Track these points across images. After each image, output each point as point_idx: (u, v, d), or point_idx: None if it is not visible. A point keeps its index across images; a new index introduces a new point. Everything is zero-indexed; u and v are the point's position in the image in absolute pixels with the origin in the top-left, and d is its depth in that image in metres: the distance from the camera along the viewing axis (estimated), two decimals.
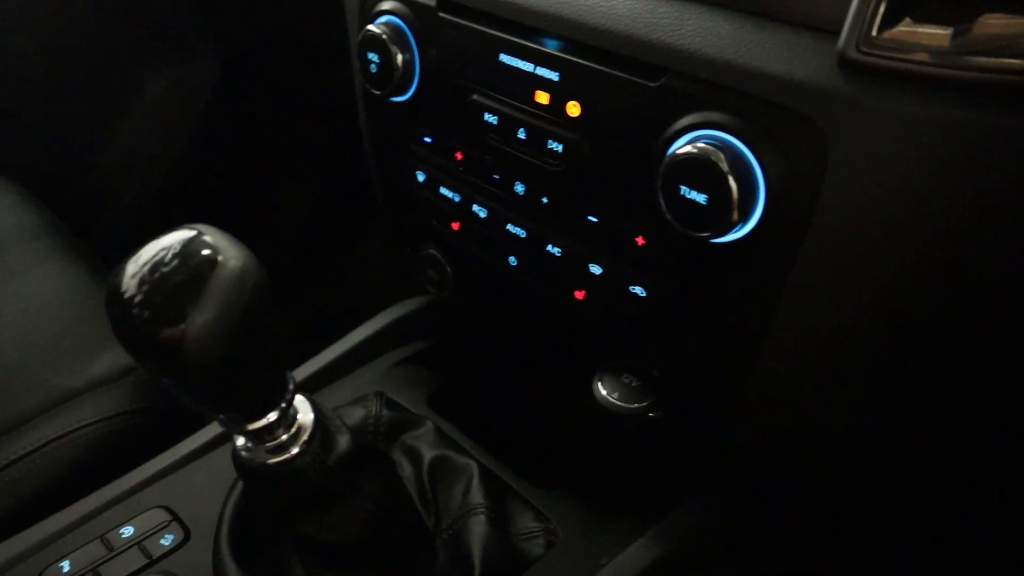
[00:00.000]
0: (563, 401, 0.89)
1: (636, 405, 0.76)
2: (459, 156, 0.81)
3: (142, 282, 0.52)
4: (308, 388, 0.93)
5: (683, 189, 0.61)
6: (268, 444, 0.64)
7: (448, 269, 0.91)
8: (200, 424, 0.92)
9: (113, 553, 0.79)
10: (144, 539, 0.80)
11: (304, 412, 0.65)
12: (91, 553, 0.79)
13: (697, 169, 0.60)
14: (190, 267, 0.52)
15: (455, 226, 0.85)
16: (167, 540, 0.80)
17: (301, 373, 0.95)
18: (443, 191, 0.84)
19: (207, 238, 0.54)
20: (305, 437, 0.64)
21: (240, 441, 0.65)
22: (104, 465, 0.93)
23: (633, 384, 0.76)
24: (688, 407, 0.75)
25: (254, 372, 0.57)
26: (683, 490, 0.83)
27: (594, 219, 0.72)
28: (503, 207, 0.79)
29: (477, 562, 0.76)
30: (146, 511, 0.82)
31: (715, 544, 0.85)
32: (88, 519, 0.83)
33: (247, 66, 1.90)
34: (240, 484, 0.83)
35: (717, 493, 0.83)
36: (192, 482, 0.85)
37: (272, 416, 0.62)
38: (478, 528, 0.79)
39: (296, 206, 1.94)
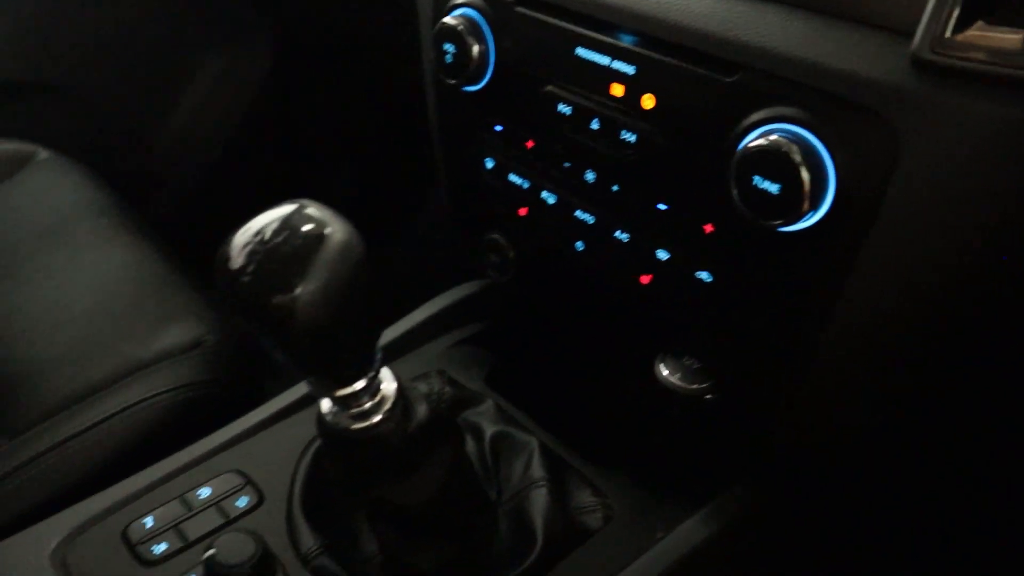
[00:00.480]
0: (619, 382, 0.92)
1: (696, 386, 0.79)
2: (530, 144, 0.84)
3: (254, 252, 0.56)
4: None
5: (756, 179, 0.64)
6: (353, 410, 0.68)
7: (510, 254, 0.94)
8: (269, 396, 0.96)
9: (192, 512, 0.83)
10: (221, 500, 0.84)
11: (388, 382, 0.69)
12: (172, 511, 0.83)
13: (770, 160, 0.63)
14: (300, 239, 0.56)
15: (523, 212, 0.88)
16: (242, 502, 0.84)
17: None
18: (512, 178, 0.87)
19: (314, 212, 0.58)
20: (388, 406, 0.68)
21: (325, 407, 0.69)
22: (177, 432, 0.98)
23: (694, 366, 0.80)
24: (741, 391, 0.78)
25: (353, 339, 0.61)
26: (732, 473, 0.86)
27: (663, 207, 0.75)
28: (572, 194, 0.82)
29: (539, 533, 0.80)
30: (221, 475, 0.86)
31: (761, 530, 0.88)
32: (166, 481, 0.87)
33: (300, 52, 1.95)
34: (311, 451, 0.87)
35: (754, 482, 0.86)
36: (264, 449, 0.89)
37: (360, 384, 0.66)
38: (540, 500, 0.83)
39: (344, 191, 1.98)
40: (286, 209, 0.58)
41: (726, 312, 0.75)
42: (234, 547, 0.74)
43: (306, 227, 0.57)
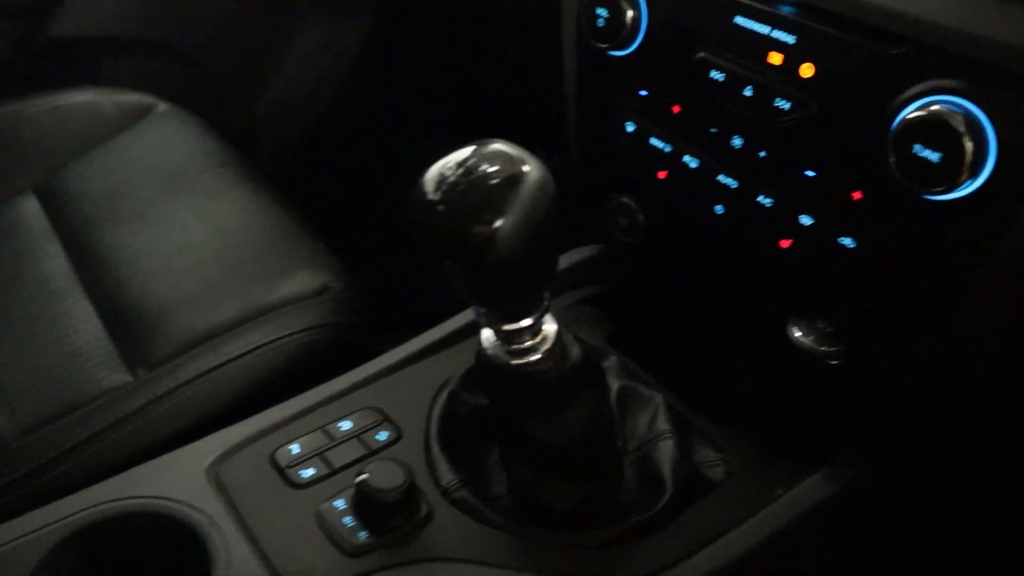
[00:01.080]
0: (741, 343, 0.96)
1: (828, 349, 0.82)
2: (676, 110, 0.87)
3: (456, 184, 0.60)
4: None
5: (916, 148, 0.67)
6: (514, 347, 0.72)
7: (640, 217, 0.98)
8: (398, 340, 1.01)
9: (335, 442, 0.88)
10: (361, 433, 0.88)
11: (549, 323, 0.73)
12: (316, 441, 0.88)
13: (933, 130, 0.66)
14: (501, 174, 0.60)
15: (661, 175, 0.91)
16: (382, 436, 0.88)
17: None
18: (653, 142, 0.91)
19: (512, 150, 0.62)
20: (548, 346, 0.72)
21: (487, 340, 0.73)
22: (310, 371, 1.02)
23: (827, 329, 0.83)
24: (871, 355, 0.81)
25: (536, 275, 0.65)
26: (848, 439, 0.89)
27: (811, 173, 0.78)
28: (716, 159, 0.85)
29: (668, 480, 0.84)
30: (360, 410, 0.91)
31: (872, 499, 0.91)
32: (306, 413, 0.92)
33: (399, 22, 1.99)
34: (445, 392, 0.92)
35: (870, 448, 0.89)
36: (400, 388, 0.94)
37: (527, 322, 0.70)
38: (667, 451, 0.86)
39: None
40: (489, 146, 0.62)
41: (866, 277, 0.77)
42: (385, 474, 0.79)
43: (506, 163, 0.61)
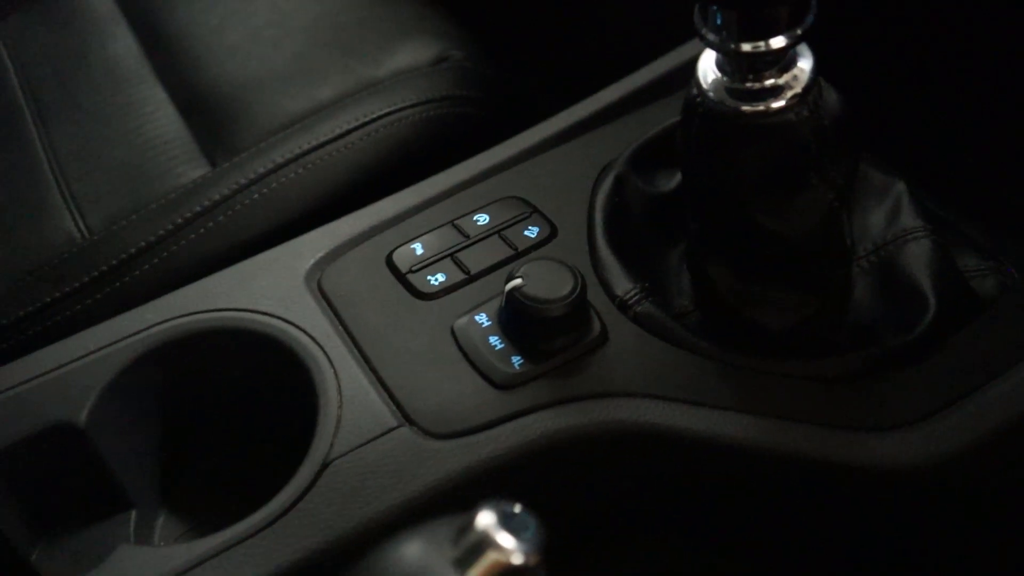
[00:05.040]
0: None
1: None
2: None
3: None
4: None
5: None
6: (750, 85, 0.48)
7: None
8: (540, 116, 0.78)
9: (470, 240, 0.67)
10: (504, 228, 0.67)
11: (804, 57, 0.48)
12: (445, 238, 0.67)
13: None
14: None
15: None
16: (532, 232, 0.67)
17: None
18: None
19: None
20: (799, 88, 0.48)
21: (707, 74, 0.49)
22: (429, 152, 0.82)
23: None
24: None
25: None
26: None
27: None
28: None
29: (929, 291, 0.61)
30: (499, 200, 0.70)
31: None
32: (430, 204, 0.71)
33: None
34: (609, 178, 0.69)
35: None
36: (547, 174, 0.72)
37: (779, 42, 0.46)
38: (922, 254, 0.63)
39: None
40: None
41: None
42: (546, 278, 0.58)
43: None
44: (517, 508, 0.34)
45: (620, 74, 0.79)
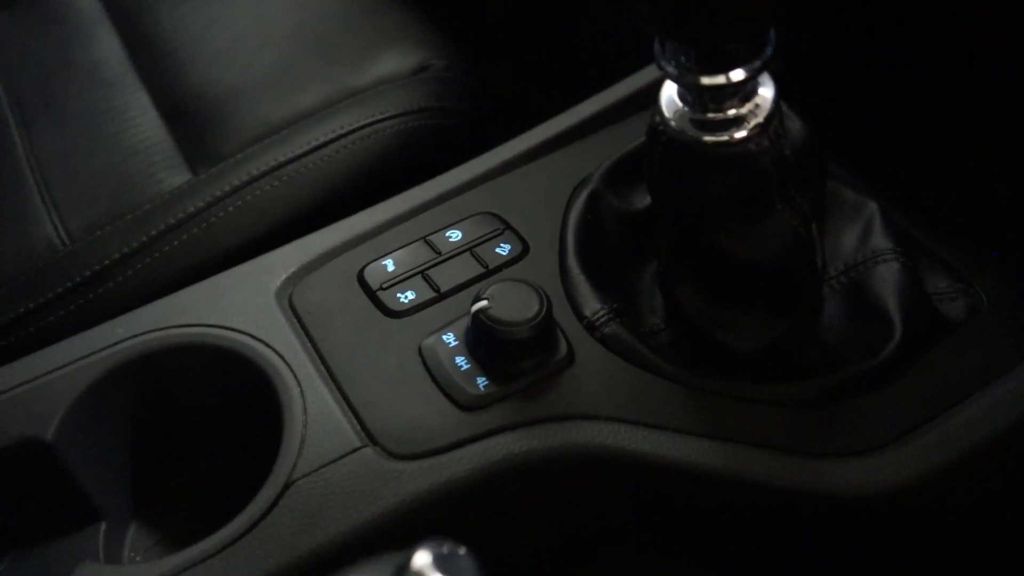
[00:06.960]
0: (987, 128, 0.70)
1: None
2: None
3: None
4: None
5: None
6: (711, 116, 0.48)
7: None
8: (520, 127, 0.77)
9: (442, 257, 0.67)
10: (476, 246, 0.67)
11: (765, 87, 0.48)
12: (416, 255, 0.67)
13: None
14: None
15: None
16: (504, 250, 0.67)
17: None
18: None
19: None
20: (761, 118, 0.48)
21: (670, 105, 0.49)
22: (406, 165, 0.82)
23: None
24: None
25: None
26: None
27: None
28: None
29: (895, 315, 0.61)
30: (472, 216, 0.70)
31: None
32: (403, 220, 0.71)
33: None
34: (582, 195, 0.69)
35: None
36: (521, 190, 0.72)
37: (739, 75, 0.46)
38: (890, 276, 0.63)
39: None
40: None
41: None
42: (512, 299, 0.58)
43: None
44: (458, 549, 0.34)
45: (604, 84, 0.79)
